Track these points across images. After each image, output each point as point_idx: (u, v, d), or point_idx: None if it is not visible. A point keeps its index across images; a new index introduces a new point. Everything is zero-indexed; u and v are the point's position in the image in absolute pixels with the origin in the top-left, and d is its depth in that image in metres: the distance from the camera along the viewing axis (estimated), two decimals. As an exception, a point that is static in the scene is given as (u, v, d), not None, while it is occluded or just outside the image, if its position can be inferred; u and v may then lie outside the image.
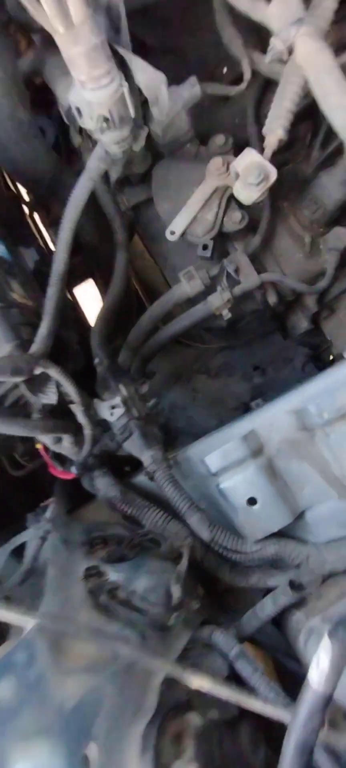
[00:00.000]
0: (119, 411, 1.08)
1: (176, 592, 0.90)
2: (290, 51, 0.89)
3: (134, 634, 0.78)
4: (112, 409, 1.09)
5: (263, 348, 1.64)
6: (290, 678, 1.09)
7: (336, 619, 0.61)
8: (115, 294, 1.24)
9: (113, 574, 0.92)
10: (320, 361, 1.65)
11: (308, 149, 1.30)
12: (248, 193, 1.07)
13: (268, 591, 1.06)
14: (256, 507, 1.02)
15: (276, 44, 0.87)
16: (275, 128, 1.05)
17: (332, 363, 1.61)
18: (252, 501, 1.03)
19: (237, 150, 1.23)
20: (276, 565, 1.07)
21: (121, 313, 1.30)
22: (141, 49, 1.31)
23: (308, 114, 1.19)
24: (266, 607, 1.00)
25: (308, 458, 1.02)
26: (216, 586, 1.12)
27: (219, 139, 1.20)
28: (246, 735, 0.82)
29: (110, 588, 0.85)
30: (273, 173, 1.05)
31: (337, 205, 1.21)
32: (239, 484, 1.03)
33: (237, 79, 1.25)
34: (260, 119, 1.22)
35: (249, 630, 1.01)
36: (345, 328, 1.47)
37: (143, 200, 1.27)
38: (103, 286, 1.54)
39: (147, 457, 1.07)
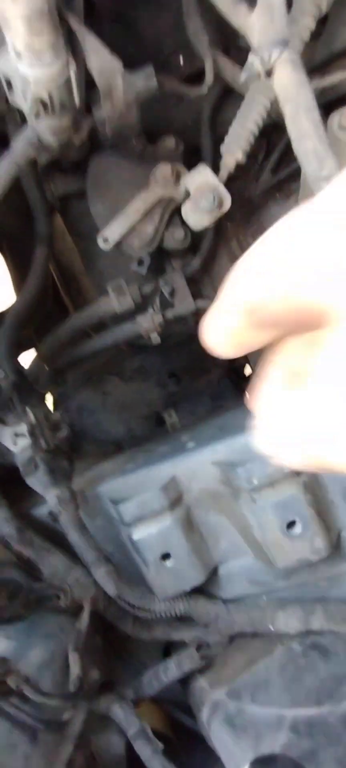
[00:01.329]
0: (24, 442, 0.93)
1: (74, 665, 0.80)
2: (268, 74, 0.78)
3: (23, 737, 0.67)
4: (16, 437, 0.94)
5: (180, 354, 1.55)
6: (186, 733, 1.05)
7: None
8: (31, 294, 1.07)
9: (2, 643, 0.80)
10: (236, 374, 1.62)
11: (258, 170, 1.21)
12: (198, 218, 0.96)
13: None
14: (169, 563, 0.95)
15: (255, 63, 0.76)
16: (235, 150, 0.95)
17: (247, 379, 1.57)
18: (165, 556, 0.95)
19: (185, 156, 1.11)
20: (182, 618, 1.01)
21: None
22: (89, 12, 1.12)
23: (263, 131, 1.10)
24: (170, 671, 0.94)
25: (228, 513, 0.96)
26: (117, 631, 1.04)
27: (170, 142, 1.06)
28: None
29: (-1, 673, 0.72)
30: (228, 200, 0.95)
31: (282, 241, 1.14)
32: (153, 538, 0.94)
33: (193, 75, 1.11)
34: (215, 128, 1.10)
35: (149, 692, 0.94)
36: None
37: (75, 191, 1.10)
38: (15, 271, 1.34)
39: (52, 496, 0.94)
